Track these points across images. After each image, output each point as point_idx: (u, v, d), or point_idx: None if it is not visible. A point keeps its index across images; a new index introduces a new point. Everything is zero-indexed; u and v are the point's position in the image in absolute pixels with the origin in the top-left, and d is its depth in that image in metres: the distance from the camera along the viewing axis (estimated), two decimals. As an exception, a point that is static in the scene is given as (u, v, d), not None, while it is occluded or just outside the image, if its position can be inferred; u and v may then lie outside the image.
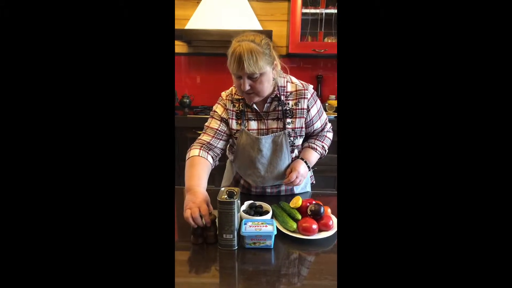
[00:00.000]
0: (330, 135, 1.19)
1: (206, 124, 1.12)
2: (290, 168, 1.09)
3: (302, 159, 1.11)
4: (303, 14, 2.30)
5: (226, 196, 0.84)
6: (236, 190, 0.87)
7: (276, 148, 1.08)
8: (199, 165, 1.00)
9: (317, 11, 2.32)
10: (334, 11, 2.32)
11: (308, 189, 1.27)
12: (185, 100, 2.47)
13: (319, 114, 1.13)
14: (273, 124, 1.08)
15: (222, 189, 0.89)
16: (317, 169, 1.55)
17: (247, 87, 0.95)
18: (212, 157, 1.07)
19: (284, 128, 1.07)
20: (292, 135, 1.08)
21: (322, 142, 1.16)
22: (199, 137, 1.10)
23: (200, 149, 1.05)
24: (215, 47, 2.56)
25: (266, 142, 1.07)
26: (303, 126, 1.09)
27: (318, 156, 1.15)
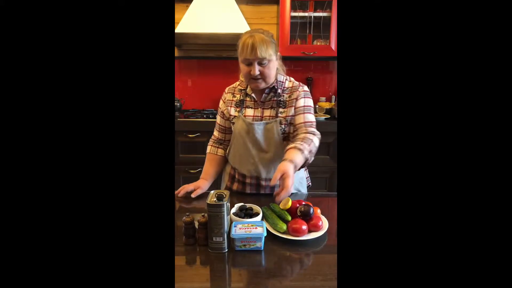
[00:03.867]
0: (316, 140, 1.11)
1: (216, 120, 1.31)
2: (279, 172, 0.95)
3: (290, 160, 0.99)
4: (292, 17, 2.32)
5: (215, 199, 0.84)
6: (225, 193, 0.87)
7: (269, 135, 1.16)
8: (207, 161, 1.29)
9: (306, 14, 2.34)
10: (323, 14, 2.35)
11: (304, 191, 1.29)
12: (175, 103, 2.46)
13: (304, 110, 1.15)
14: (267, 113, 1.18)
15: (212, 192, 0.89)
16: (309, 171, 1.56)
17: (257, 72, 1.08)
18: (224, 148, 1.30)
19: (276, 116, 1.16)
20: (284, 123, 1.16)
21: (309, 146, 1.07)
22: (213, 132, 1.32)
23: (212, 145, 1.30)
24: (205, 51, 2.56)
25: (259, 128, 1.17)
26: (294, 114, 1.16)
27: (303, 159, 1.03)
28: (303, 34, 2.43)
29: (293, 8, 2.31)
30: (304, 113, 1.15)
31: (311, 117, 1.16)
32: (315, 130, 1.14)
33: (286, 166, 0.95)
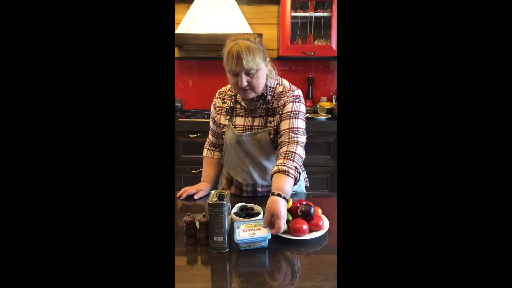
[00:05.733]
0: (299, 149, 1.02)
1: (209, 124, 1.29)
2: (269, 213, 0.87)
3: (279, 194, 0.90)
4: (293, 17, 2.32)
5: (216, 198, 0.84)
6: (226, 193, 0.87)
7: (259, 145, 1.13)
8: (205, 165, 1.28)
9: (306, 14, 2.35)
10: (323, 14, 2.35)
11: (302, 190, 1.28)
12: (176, 104, 2.46)
13: (291, 115, 1.07)
14: (257, 122, 1.13)
15: (213, 192, 0.89)
16: (310, 171, 1.56)
17: (245, 83, 1.00)
18: (219, 151, 1.28)
19: (265, 126, 1.11)
20: (273, 133, 1.11)
21: (293, 161, 0.98)
22: (208, 135, 1.30)
23: (208, 148, 1.29)
24: (205, 51, 2.56)
25: (248, 140, 1.12)
26: (280, 120, 1.10)
27: (292, 181, 0.96)
28: (303, 34, 2.43)
29: (294, 8, 2.31)
30: (290, 118, 1.06)
31: (297, 123, 1.06)
32: (299, 136, 1.04)
33: (275, 205, 0.87)
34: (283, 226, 0.86)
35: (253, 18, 2.51)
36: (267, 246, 0.85)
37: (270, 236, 0.84)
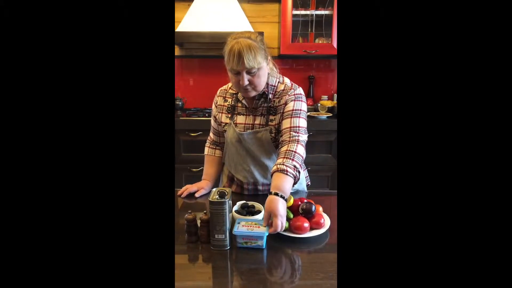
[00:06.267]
0: (300, 148, 1.02)
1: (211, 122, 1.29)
2: (267, 212, 0.87)
3: (276, 193, 0.90)
4: (294, 15, 2.31)
5: (217, 196, 0.84)
6: (227, 190, 0.87)
7: (260, 144, 1.13)
8: (207, 163, 1.28)
9: (308, 12, 2.34)
10: (324, 12, 2.34)
11: (303, 189, 1.28)
12: (177, 102, 2.46)
13: (292, 114, 1.07)
14: (258, 120, 1.12)
15: (214, 189, 0.89)
16: (311, 169, 1.56)
17: (246, 82, 1.00)
18: (221, 149, 1.28)
19: (266, 124, 1.11)
20: (274, 131, 1.11)
21: (293, 160, 0.98)
22: (209, 134, 1.30)
23: (209, 147, 1.29)
24: (206, 49, 2.56)
25: (249, 138, 1.12)
26: (282, 119, 1.10)
27: (292, 180, 0.95)
28: (305, 32, 2.42)
29: (295, 6, 2.31)
30: (291, 117, 1.06)
31: (298, 122, 1.06)
32: (299, 135, 1.05)
33: (273, 204, 0.87)
34: (280, 224, 0.85)
35: (254, 16, 2.51)
36: (264, 247, 0.85)
37: (267, 233, 0.84)
